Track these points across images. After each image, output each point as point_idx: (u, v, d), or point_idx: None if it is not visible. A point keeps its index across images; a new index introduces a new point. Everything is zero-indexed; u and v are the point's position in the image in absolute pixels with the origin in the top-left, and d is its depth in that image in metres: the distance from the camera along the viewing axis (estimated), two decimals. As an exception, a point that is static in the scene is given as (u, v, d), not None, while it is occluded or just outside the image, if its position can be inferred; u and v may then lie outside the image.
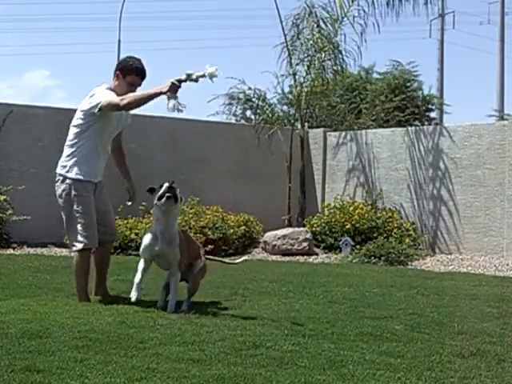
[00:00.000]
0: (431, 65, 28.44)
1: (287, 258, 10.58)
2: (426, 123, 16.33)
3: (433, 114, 18.39)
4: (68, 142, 5.74)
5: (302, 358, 4.06)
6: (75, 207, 5.64)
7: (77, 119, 5.70)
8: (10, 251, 10.06)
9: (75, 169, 5.65)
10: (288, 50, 12.03)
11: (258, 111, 13.11)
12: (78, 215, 5.63)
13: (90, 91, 5.71)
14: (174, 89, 5.18)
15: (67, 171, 5.68)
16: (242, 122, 15.27)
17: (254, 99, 12.84)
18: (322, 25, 11.95)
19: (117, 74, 5.61)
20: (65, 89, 71.64)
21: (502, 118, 17.53)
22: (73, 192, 5.63)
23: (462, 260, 10.37)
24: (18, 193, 10.54)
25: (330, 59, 11.91)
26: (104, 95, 5.52)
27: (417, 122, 16.36)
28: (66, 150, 5.74)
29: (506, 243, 10.51)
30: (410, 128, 12.49)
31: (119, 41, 33.29)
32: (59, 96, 62.76)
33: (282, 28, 12.11)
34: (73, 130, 5.72)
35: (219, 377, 3.62)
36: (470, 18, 55.03)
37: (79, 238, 5.64)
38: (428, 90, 18.03)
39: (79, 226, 5.63)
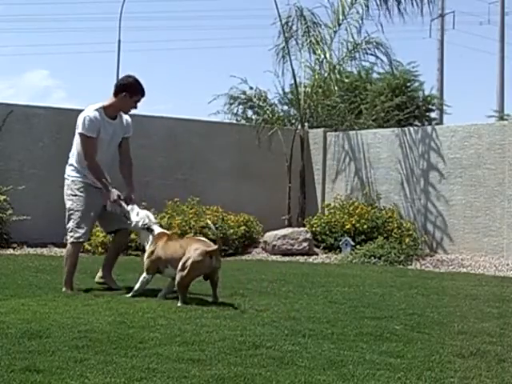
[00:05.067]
0: (431, 65, 28.41)
1: (287, 258, 10.58)
2: (427, 123, 16.32)
3: (433, 115, 18.37)
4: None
5: (302, 358, 4.06)
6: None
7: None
8: (10, 251, 10.05)
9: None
10: (284, 48, 12.05)
11: (259, 111, 13.12)
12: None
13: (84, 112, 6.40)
14: (114, 201, 6.24)
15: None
16: (243, 122, 15.27)
17: (254, 99, 12.85)
18: (312, 27, 12.03)
19: (124, 94, 6.31)
20: (65, 89, 71.66)
21: (501, 118, 17.51)
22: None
23: (462, 260, 10.36)
24: (18, 193, 10.54)
25: (369, 56, 12.04)
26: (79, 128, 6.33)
27: (417, 122, 16.35)
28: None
29: (505, 243, 10.50)
30: (409, 128, 12.49)
31: (119, 41, 33.35)
32: (59, 96, 62.79)
33: (282, 28, 12.12)
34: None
35: (219, 377, 3.62)
36: (470, 17, 54.98)
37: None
38: (429, 91, 18.04)
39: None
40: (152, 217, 6.30)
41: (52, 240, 10.59)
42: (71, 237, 6.33)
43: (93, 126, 6.22)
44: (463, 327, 5.12)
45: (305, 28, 12.03)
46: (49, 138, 11.35)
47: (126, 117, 6.54)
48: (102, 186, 6.27)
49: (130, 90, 6.32)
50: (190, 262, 5.61)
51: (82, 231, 6.29)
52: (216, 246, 5.77)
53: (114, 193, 6.21)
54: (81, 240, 6.38)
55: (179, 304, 5.59)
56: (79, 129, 6.26)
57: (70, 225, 6.32)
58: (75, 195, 6.30)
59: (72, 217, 6.31)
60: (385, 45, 11.87)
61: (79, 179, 6.32)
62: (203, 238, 6.39)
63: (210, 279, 5.82)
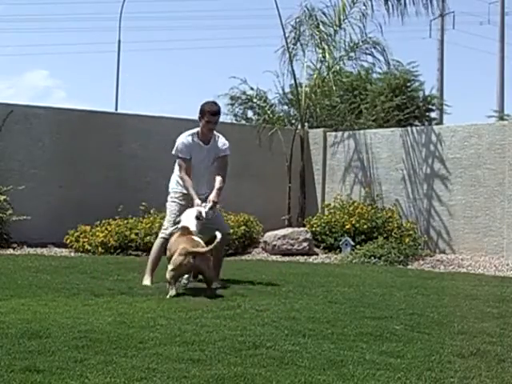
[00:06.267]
0: (431, 65, 28.41)
1: (287, 258, 10.58)
2: (427, 123, 16.31)
3: (433, 115, 18.36)
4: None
5: (302, 358, 4.06)
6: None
7: None
8: (10, 251, 10.05)
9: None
10: (289, 50, 12.04)
11: (259, 111, 13.11)
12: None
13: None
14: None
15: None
16: (243, 122, 15.26)
17: (255, 100, 12.84)
18: (322, 27, 11.99)
19: (199, 117, 7.28)
20: (65, 89, 71.63)
21: (501, 118, 17.48)
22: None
23: (462, 260, 10.36)
24: (18, 193, 10.54)
25: (367, 55, 12.05)
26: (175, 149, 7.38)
27: (417, 122, 16.33)
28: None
29: (505, 243, 10.50)
30: (409, 128, 12.49)
31: (119, 41, 33.34)
32: (59, 96, 62.74)
33: (283, 29, 12.12)
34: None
35: (219, 377, 3.62)
36: (470, 17, 54.82)
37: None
38: (429, 91, 18.02)
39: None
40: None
41: (52, 240, 10.60)
42: (162, 233, 7.24)
43: (184, 149, 7.24)
44: (463, 327, 5.12)
45: (313, 27, 11.98)
46: (49, 138, 11.35)
47: (222, 140, 7.53)
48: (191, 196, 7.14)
49: (200, 113, 7.25)
50: None
51: (167, 231, 7.12)
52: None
53: (197, 203, 7.02)
54: (164, 236, 7.18)
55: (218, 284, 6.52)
56: (173, 151, 7.32)
57: (164, 223, 7.33)
58: (173, 202, 7.30)
59: (168, 218, 7.27)
60: (382, 44, 11.86)
61: (176, 189, 7.34)
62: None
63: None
